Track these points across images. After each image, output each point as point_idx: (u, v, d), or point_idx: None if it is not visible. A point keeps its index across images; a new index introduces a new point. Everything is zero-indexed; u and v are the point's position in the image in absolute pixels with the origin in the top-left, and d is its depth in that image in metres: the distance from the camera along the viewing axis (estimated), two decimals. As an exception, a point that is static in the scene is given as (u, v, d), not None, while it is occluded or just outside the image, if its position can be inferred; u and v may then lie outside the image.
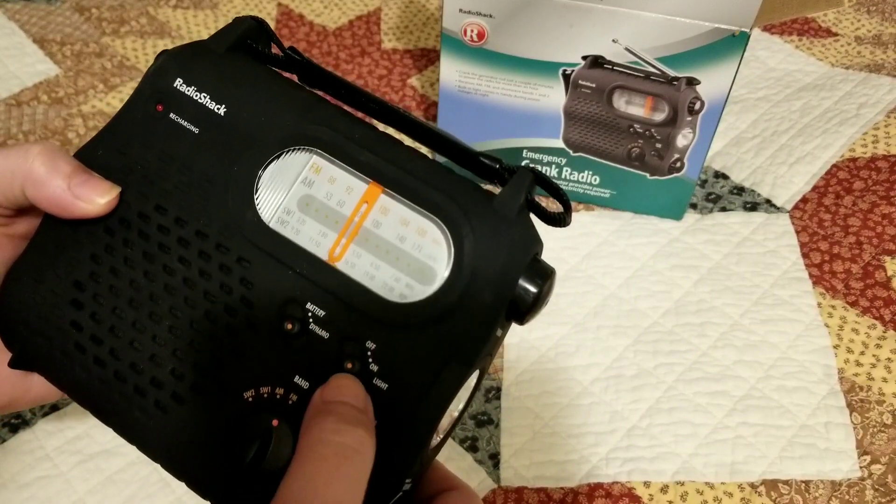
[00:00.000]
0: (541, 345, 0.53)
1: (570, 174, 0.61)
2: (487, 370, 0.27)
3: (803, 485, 0.47)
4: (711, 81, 0.53)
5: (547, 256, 0.63)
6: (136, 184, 0.26)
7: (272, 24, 0.79)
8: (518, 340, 0.53)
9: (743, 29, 0.50)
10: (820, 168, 0.65)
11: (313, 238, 0.25)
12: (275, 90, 0.27)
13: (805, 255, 0.59)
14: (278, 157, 0.26)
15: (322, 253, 0.25)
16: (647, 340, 0.54)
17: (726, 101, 0.53)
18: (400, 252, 0.25)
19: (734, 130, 0.69)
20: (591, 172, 0.60)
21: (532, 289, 0.24)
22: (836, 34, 0.80)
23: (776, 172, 0.65)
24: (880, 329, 0.54)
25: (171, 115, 0.26)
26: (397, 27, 0.79)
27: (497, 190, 0.25)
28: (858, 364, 0.52)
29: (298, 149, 0.26)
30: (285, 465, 0.23)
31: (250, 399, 0.25)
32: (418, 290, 0.24)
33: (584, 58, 0.54)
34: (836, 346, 0.53)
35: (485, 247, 0.24)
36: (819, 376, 0.52)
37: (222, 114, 0.26)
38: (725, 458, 0.48)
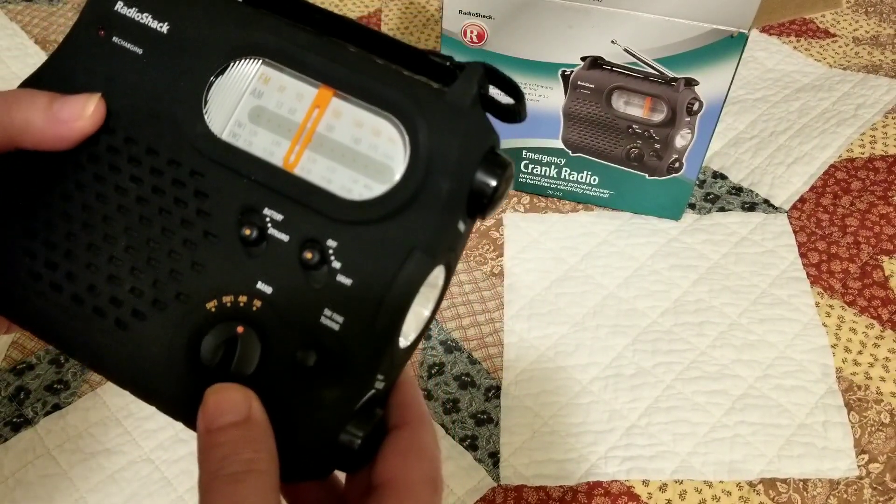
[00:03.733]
0: (540, 344, 0.54)
1: (570, 174, 0.61)
2: (454, 270, 0.26)
3: (801, 483, 0.47)
4: (710, 82, 0.53)
5: (546, 256, 0.63)
6: None
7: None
8: (517, 340, 0.54)
9: (741, 30, 0.50)
10: (818, 168, 0.65)
11: (267, 148, 0.25)
12: (217, 4, 0.27)
13: (803, 255, 0.59)
14: (225, 69, 0.26)
15: (277, 161, 0.25)
16: (646, 340, 0.54)
17: (724, 101, 0.54)
18: (356, 154, 0.25)
19: (732, 131, 0.69)
20: (590, 173, 0.60)
21: (490, 180, 0.24)
22: (833, 35, 0.80)
23: (774, 173, 0.65)
24: (878, 328, 0.54)
25: (115, 39, 0.26)
26: (397, 28, 0.79)
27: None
28: (856, 363, 0.53)
29: (245, 59, 0.26)
30: (253, 372, 0.23)
31: (213, 309, 0.25)
32: (377, 189, 0.24)
33: (583, 59, 0.54)
34: (833, 346, 0.53)
35: (439, 139, 0.24)
36: (817, 375, 0.52)
37: (165, 32, 0.26)
38: (724, 456, 0.48)
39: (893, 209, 0.62)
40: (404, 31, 0.79)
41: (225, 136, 0.25)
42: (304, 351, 0.24)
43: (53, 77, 0.27)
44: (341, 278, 0.24)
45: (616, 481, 0.47)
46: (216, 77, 0.26)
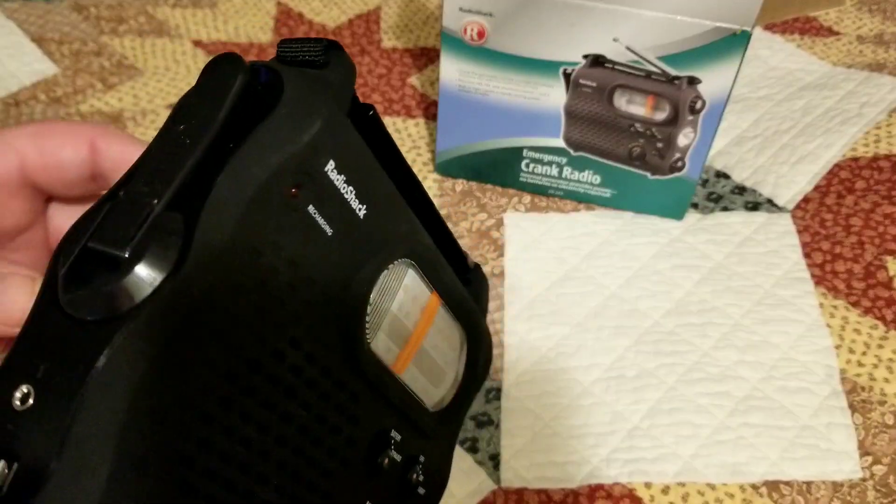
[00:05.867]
0: (541, 345, 0.53)
1: (571, 174, 0.60)
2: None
3: (805, 486, 0.46)
4: (713, 80, 0.52)
5: (548, 256, 0.63)
6: (268, 307, 0.20)
7: (271, 23, 0.79)
8: (518, 341, 0.53)
9: (744, 28, 0.50)
10: (822, 167, 0.65)
11: (384, 354, 0.23)
12: (388, 186, 0.23)
13: (807, 255, 0.59)
14: (386, 270, 0.23)
15: (393, 368, 0.23)
16: (649, 341, 0.53)
17: (728, 100, 0.53)
18: (436, 367, 0.25)
19: (736, 130, 0.68)
20: (591, 172, 0.60)
21: None
22: (837, 33, 0.79)
23: (778, 172, 0.64)
24: (882, 329, 0.54)
25: (310, 209, 0.20)
26: (397, 26, 0.79)
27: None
28: (860, 364, 0.52)
29: (401, 261, 0.23)
30: None
31: None
32: (437, 396, 0.25)
33: (585, 57, 0.54)
34: (837, 347, 0.53)
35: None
36: (821, 377, 0.51)
37: (362, 217, 0.21)
38: (727, 458, 0.48)
39: (898, 209, 0.62)
40: (404, 28, 0.79)
41: (374, 347, 0.23)
42: None
43: (245, 242, 0.20)
44: (420, 490, 0.25)
45: (618, 484, 0.47)
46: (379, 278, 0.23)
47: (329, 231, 0.21)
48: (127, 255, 0.17)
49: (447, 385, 0.25)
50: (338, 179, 0.20)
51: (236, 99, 0.19)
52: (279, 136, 0.19)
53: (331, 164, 0.20)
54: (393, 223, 0.23)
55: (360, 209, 0.21)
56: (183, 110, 0.19)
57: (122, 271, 0.17)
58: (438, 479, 0.26)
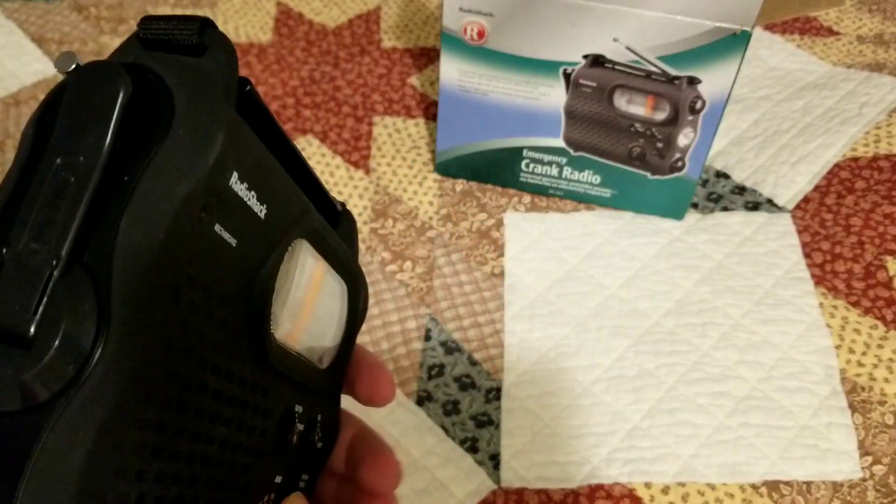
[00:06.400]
0: (541, 345, 0.53)
1: (571, 174, 0.60)
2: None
3: (805, 486, 0.46)
4: (713, 80, 0.52)
5: (548, 256, 0.63)
6: (191, 348, 0.18)
7: (271, 24, 0.79)
8: (518, 341, 0.53)
9: (744, 28, 0.50)
10: (822, 167, 0.65)
11: (284, 337, 0.23)
12: (281, 174, 0.22)
13: (807, 255, 0.59)
14: (282, 256, 0.22)
15: (287, 341, 0.23)
16: (649, 341, 0.53)
17: (727, 100, 0.53)
18: (326, 326, 0.25)
19: (735, 130, 0.68)
20: (591, 172, 0.60)
21: None
22: (837, 33, 0.79)
23: (778, 172, 0.64)
24: (882, 329, 0.54)
25: (216, 227, 0.18)
26: (397, 26, 0.79)
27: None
28: (860, 364, 0.52)
29: (296, 244, 0.23)
30: None
31: None
32: (324, 356, 0.26)
33: (585, 57, 0.54)
34: (837, 347, 0.53)
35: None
36: (821, 377, 0.51)
37: (263, 217, 0.20)
38: (727, 458, 0.48)
39: (898, 209, 0.62)
40: (404, 28, 0.79)
41: (277, 335, 0.22)
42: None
43: (159, 293, 0.18)
44: (318, 445, 0.26)
45: (618, 484, 0.47)
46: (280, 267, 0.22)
47: (234, 242, 0.19)
48: (33, 334, 0.14)
49: (334, 338, 0.26)
50: (241, 189, 0.19)
51: (121, 119, 0.16)
52: (182, 163, 0.17)
53: (234, 176, 0.18)
54: (288, 210, 0.22)
55: (261, 211, 0.20)
56: (56, 139, 0.16)
57: (33, 356, 0.14)
58: (332, 428, 0.26)
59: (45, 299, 0.15)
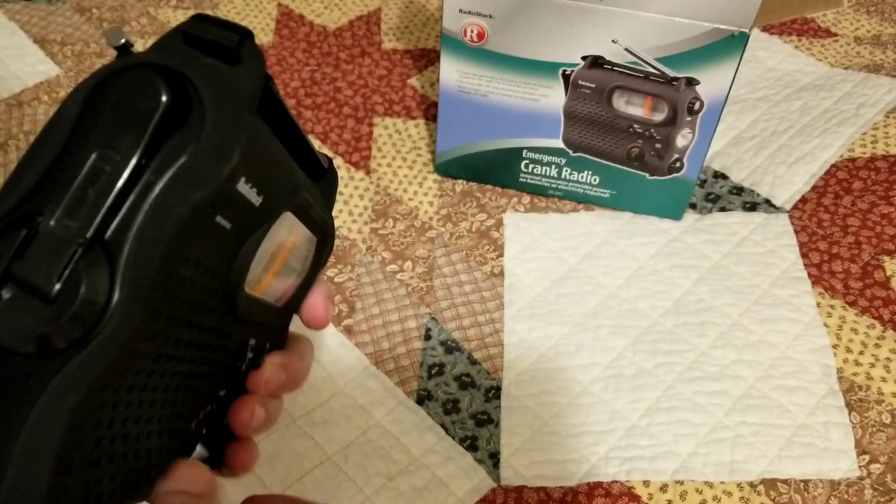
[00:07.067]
0: (541, 344, 0.53)
1: (570, 174, 0.61)
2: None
3: (802, 484, 0.47)
4: (711, 81, 0.53)
5: (547, 256, 0.63)
6: (180, 315, 0.21)
7: (272, 25, 0.79)
8: (518, 340, 0.54)
9: (742, 29, 0.50)
10: (819, 168, 0.65)
11: (254, 287, 0.24)
12: (285, 160, 0.24)
13: (804, 255, 0.59)
14: (267, 230, 0.24)
15: (257, 293, 0.25)
16: (647, 340, 0.54)
17: (726, 101, 0.53)
18: (291, 271, 0.27)
19: (733, 130, 0.69)
20: (590, 172, 0.60)
21: None
22: (835, 34, 0.80)
23: (775, 172, 0.65)
24: (879, 329, 0.54)
25: (217, 218, 0.21)
26: (397, 27, 0.79)
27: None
28: (857, 363, 0.52)
29: (284, 215, 0.24)
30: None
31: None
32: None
33: (584, 58, 0.54)
34: (835, 346, 0.53)
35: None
36: (818, 376, 0.52)
37: (258, 205, 0.22)
38: (725, 457, 0.48)
39: (895, 209, 0.62)
40: (404, 30, 0.79)
41: (248, 289, 0.24)
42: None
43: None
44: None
45: (617, 482, 0.47)
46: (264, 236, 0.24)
47: (228, 227, 0.21)
48: (55, 295, 0.17)
49: (295, 281, 0.27)
50: (245, 189, 0.21)
51: (157, 126, 0.19)
52: (201, 173, 0.19)
53: (242, 180, 0.21)
54: (281, 192, 0.23)
55: (257, 200, 0.22)
56: (100, 130, 0.19)
57: (55, 310, 0.17)
58: (278, 348, 0.29)
59: (68, 270, 0.17)
